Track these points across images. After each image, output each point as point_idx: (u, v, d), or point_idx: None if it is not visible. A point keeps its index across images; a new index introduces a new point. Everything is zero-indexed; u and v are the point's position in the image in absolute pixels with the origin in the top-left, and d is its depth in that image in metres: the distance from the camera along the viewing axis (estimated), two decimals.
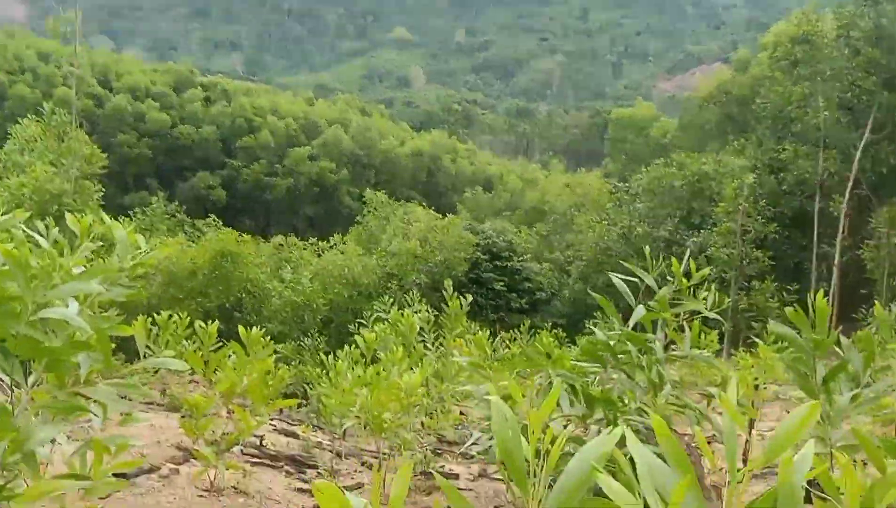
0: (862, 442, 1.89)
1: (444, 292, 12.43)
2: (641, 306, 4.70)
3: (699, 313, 4.44)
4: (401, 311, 16.05)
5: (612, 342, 4.22)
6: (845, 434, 3.43)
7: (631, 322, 4.36)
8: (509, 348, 16.29)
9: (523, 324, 19.30)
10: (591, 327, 19.79)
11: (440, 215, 33.21)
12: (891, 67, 25.79)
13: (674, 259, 4.42)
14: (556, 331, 21.83)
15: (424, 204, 46.75)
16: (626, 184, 36.39)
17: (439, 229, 31.06)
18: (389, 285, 29.85)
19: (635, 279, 4.55)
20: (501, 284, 33.28)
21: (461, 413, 9.91)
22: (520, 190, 66.21)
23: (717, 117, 39.25)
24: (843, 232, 26.99)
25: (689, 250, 26.49)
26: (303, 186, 66.24)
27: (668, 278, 4.55)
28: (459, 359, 6.88)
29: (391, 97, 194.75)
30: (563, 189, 65.51)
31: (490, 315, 32.94)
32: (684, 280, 4.80)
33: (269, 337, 8.50)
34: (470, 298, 12.60)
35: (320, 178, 67.54)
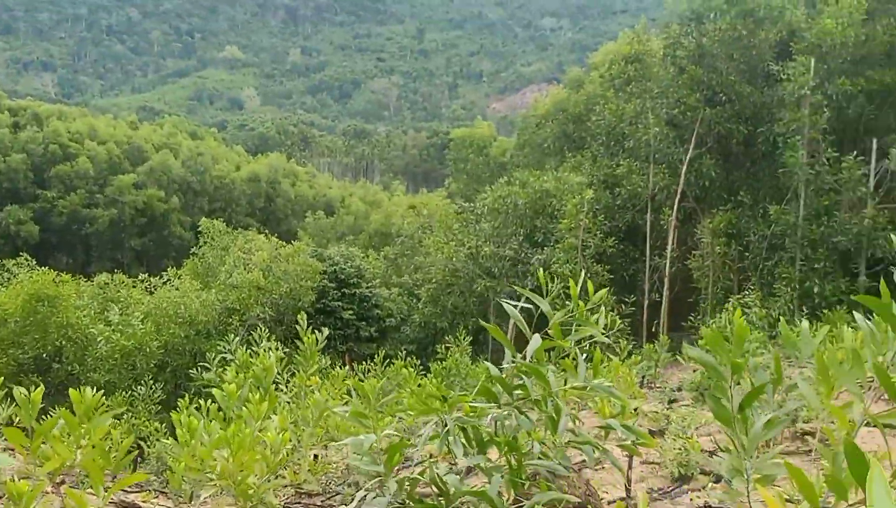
0: (794, 476, 1.85)
1: (298, 326, 11.35)
2: (538, 334, 3.90)
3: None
4: (249, 350, 14.46)
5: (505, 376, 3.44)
6: (763, 464, 2.87)
7: (528, 352, 3.55)
8: (362, 380, 15.22)
9: (377, 354, 18.13)
10: (440, 349, 18.70)
11: (283, 243, 31.44)
12: (711, 85, 27.42)
13: (571, 281, 3.60)
14: (409, 359, 20.80)
15: (264, 231, 44.56)
16: (471, 204, 36.39)
17: (283, 258, 29.33)
18: (230, 321, 27.70)
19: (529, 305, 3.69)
20: (350, 312, 31.99)
21: (315, 457, 8.84)
22: (363, 213, 65.20)
23: (554, 135, 40.30)
24: (673, 244, 28.26)
25: (534, 268, 26.46)
26: (128, 216, 61.31)
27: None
28: (338, 409, 5.83)
29: (223, 119, 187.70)
30: (407, 211, 65.31)
31: (339, 346, 31.54)
32: (581, 304, 3.99)
33: (96, 389, 7.01)
34: (326, 331, 11.48)
35: (148, 207, 62.89)
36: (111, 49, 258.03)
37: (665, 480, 8.78)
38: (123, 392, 20.54)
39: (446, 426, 3.39)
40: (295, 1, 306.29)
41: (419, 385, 14.17)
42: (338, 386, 12.53)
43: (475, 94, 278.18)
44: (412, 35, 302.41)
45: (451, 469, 3.48)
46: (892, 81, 24.02)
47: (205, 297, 26.71)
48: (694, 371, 19.00)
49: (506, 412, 3.74)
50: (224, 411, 7.17)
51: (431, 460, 3.63)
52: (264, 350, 15.90)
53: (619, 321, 26.72)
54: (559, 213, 30.95)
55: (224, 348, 16.83)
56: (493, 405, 3.64)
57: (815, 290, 22.74)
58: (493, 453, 3.40)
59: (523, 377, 3.55)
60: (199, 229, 32.97)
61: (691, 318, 26.72)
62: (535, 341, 3.74)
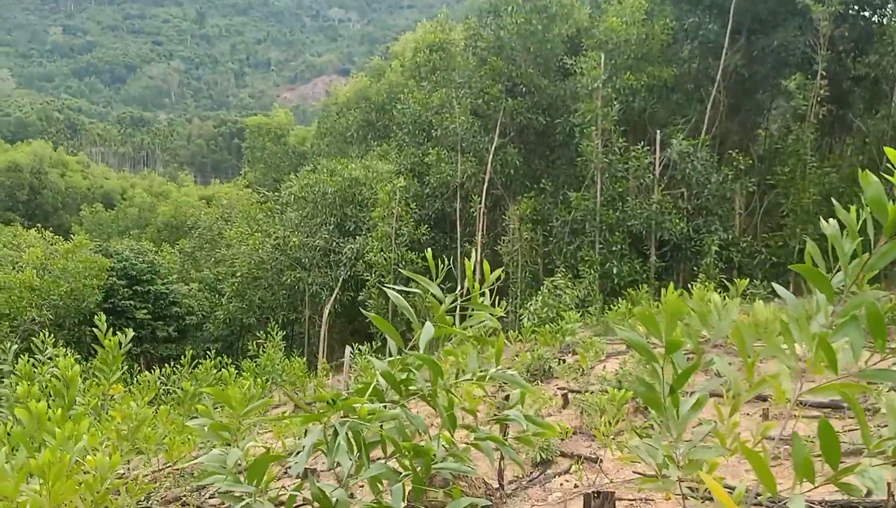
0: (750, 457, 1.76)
1: (96, 329, 10.01)
2: (429, 323, 3.39)
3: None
4: (30, 359, 12.46)
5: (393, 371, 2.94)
6: (696, 450, 2.70)
7: (422, 344, 3.05)
8: (165, 384, 13.80)
9: (184, 355, 16.57)
10: (252, 346, 17.44)
11: (60, 238, 27.95)
12: (512, 76, 28.43)
13: (467, 261, 3.14)
14: (217, 358, 19.31)
15: (30, 226, 39.62)
16: (275, 193, 34.82)
17: (61, 255, 26.04)
18: None
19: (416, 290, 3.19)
20: (144, 311, 29.30)
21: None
22: (149, 205, 60.27)
23: (357, 123, 39.76)
24: (482, 230, 29.02)
25: (345, 257, 25.76)
26: None
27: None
28: (193, 423, 4.88)
29: None
30: (200, 201, 61.39)
31: (133, 349, 28.79)
32: (476, 286, 3.55)
33: None
34: (130, 332, 10.17)
35: None
36: None
37: (527, 466, 8.71)
38: None
39: (335, 432, 2.86)
40: None
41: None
42: (145, 393, 11.15)
43: (264, 83, 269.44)
44: (192, 19, 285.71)
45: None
46: (669, 77, 26.40)
47: None
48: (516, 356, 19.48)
49: (395, 411, 3.31)
50: (34, 437, 5.97)
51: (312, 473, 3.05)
52: (49, 358, 13.80)
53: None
54: (369, 201, 30.57)
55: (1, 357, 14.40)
56: (382, 404, 3.18)
57: (615, 271, 24.42)
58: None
59: (410, 370, 3.12)
60: None
61: (504, 302, 27.63)
62: (428, 329, 3.27)
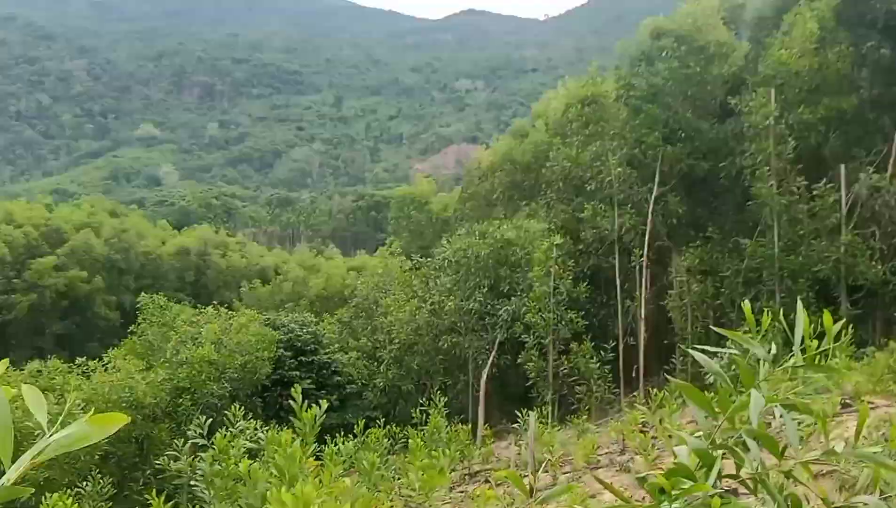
0: None
1: (292, 401, 10.04)
2: (756, 391, 2.39)
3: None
4: (227, 432, 12.44)
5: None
6: None
7: (753, 416, 2.04)
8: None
9: (353, 424, 16.27)
10: (416, 414, 16.59)
11: (233, 313, 29.19)
12: (669, 123, 27.27)
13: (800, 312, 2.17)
14: (386, 427, 18.86)
15: (196, 304, 41.86)
16: (427, 258, 35.00)
17: (236, 329, 27.06)
18: (180, 401, 25.16)
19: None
20: (308, 381, 29.75)
21: None
22: (301, 279, 62.78)
23: (503, 185, 39.65)
24: (646, 285, 27.54)
25: (502, 319, 24.97)
26: (49, 300, 57.03)
27: None
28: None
29: (142, 197, 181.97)
30: (350, 273, 63.33)
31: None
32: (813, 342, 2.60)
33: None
34: (325, 404, 9.95)
35: (70, 289, 58.77)
36: (21, 134, 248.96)
37: None
38: (65, 490, 17.98)
39: None
40: (212, 77, 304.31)
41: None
42: (337, 465, 10.73)
43: (397, 156, 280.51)
44: (331, 103, 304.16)
45: None
46: (849, 108, 24.29)
47: (151, 377, 24.18)
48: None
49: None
50: None
51: None
52: (241, 430, 13.61)
53: (597, 369, 25.74)
54: (523, 261, 29.95)
55: (195, 432, 14.49)
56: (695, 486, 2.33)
57: None
58: None
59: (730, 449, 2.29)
60: (128, 308, 30.42)
61: (672, 360, 25.85)
62: (757, 399, 2.34)
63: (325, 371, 30.45)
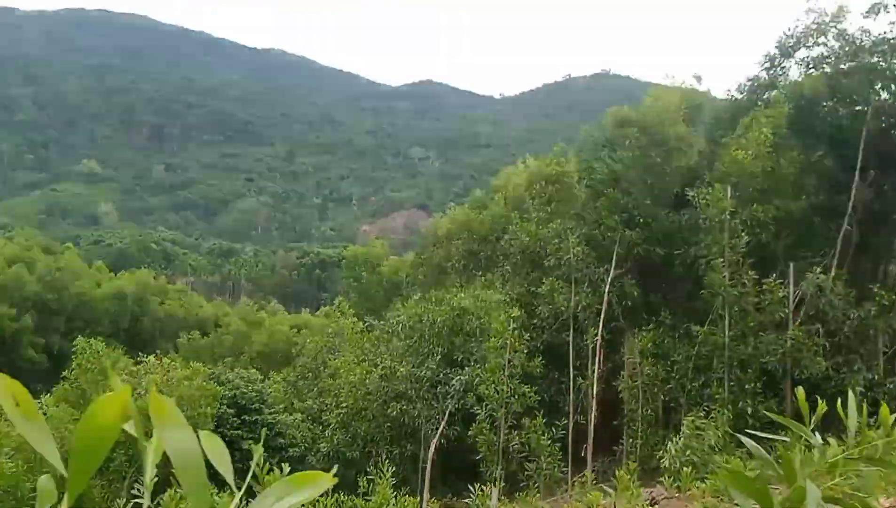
0: None
1: (255, 465, 9.41)
2: (811, 483, 2.54)
3: None
4: (175, 493, 11.92)
5: None
6: None
7: None
8: None
9: None
10: (363, 483, 16.33)
11: (175, 365, 28.25)
12: (628, 208, 28.22)
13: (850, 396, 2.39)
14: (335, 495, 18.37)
15: (129, 352, 40.49)
16: (380, 322, 34.78)
17: (177, 382, 26.16)
18: (114, 456, 23.99)
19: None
20: (251, 441, 28.83)
21: None
22: (244, 333, 61.44)
23: (459, 254, 40.05)
24: (599, 364, 27.90)
25: (454, 389, 24.83)
26: None
27: None
28: None
29: (77, 235, 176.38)
30: (292, 330, 62.23)
31: (238, 481, 28.11)
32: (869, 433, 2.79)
33: None
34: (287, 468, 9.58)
35: None
36: None
37: None
38: None
39: None
40: (162, 119, 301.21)
41: None
42: None
43: (345, 216, 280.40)
44: (282, 157, 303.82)
45: None
46: (797, 210, 25.65)
47: None
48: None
49: None
50: None
51: None
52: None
53: (548, 446, 25.71)
54: (478, 331, 30.03)
55: (138, 490, 13.95)
56: None
57: (749, 411, 22.77)
58: None
59: None
60: (55, 352, 29.20)
61: (621, 441, 26.05)
62: (813, 491, 2.44)
63: (269, 432, 29.56)
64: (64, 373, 30.40)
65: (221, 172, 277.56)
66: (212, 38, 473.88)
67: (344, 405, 30.48)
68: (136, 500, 13.65)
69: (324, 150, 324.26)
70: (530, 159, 38.52)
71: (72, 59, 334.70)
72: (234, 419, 28.60)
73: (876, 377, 23.41)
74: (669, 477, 17.54)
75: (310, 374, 35.41)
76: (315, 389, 34.12)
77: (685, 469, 14.97)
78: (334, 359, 33.70)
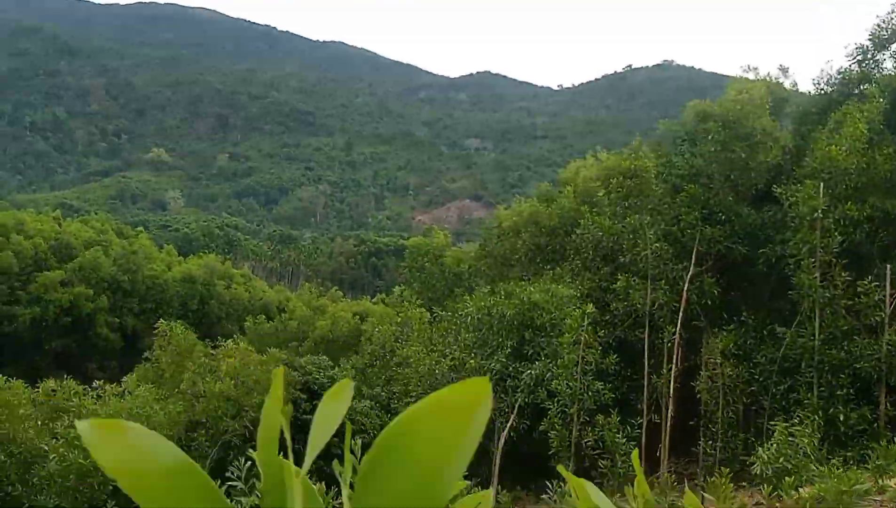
0: None
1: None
2: None
3: None
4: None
5: None
6: None
7: None
8: None
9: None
10: None
11: (252, 350, 28.72)
12: (709, 204, 27.39)
13: None
14: None
15: (196, 333, 41.39)
16: (448, 313, 34.68)
17: (255, 365, 26.57)
18: (195, 436, 24.56)
19: None
20: None
21: None
22: (307, 318, 62.27)
23: (526, 247, 39.61)
24: (676, 363, 27.21)
25: (524, 383, 24.46)
26: (52, 315, 56.33)
27: None
28: None
29: (145, 219, 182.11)
30: (353, 318, 62.76)
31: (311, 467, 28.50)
32: None
33: None
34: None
35: (74, 306, 58.12)
36: (33, 146, 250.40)
37: None
38: None
39: None
40: (226, 110, 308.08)
41: None
42: None
43: (401, 206, 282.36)
44: (341, 147, 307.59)
45: None
46: (893, 209, 24.45)
47: (170, 408, 23.62)
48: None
49: None
50: None
51: None
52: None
53: (623, 444, 25.22)
54: (549, 326, 29.65)
55: (233, 473, 14.08)
56: None
57: (841, 418, 21.87)
58: None
59: None
60: (128, 331, 29.98)
61: (699, 443, 25.40)
62: None
63: None
64: (145, 354, 31.31)
65: (282, 162, 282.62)
66: (276, 30, 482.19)
67: (413, 393, 30.50)
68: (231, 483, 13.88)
69: (381, 140, 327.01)
70: (602, 153, 37.81)
71: (141, 52, 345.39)
72: (307, 404, 28.89)
73: None
74: (764, 484, 16.97)
75: (378, 362, 35.59)
76: (384, 377, 34.29)
77: (786, 478, 14.38)
78: (402, 348, 33.79)
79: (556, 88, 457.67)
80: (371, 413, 32.03)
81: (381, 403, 32.77)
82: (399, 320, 37.41)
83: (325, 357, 32.72)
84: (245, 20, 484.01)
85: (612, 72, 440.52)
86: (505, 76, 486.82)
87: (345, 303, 72.13)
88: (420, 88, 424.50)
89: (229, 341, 28.76)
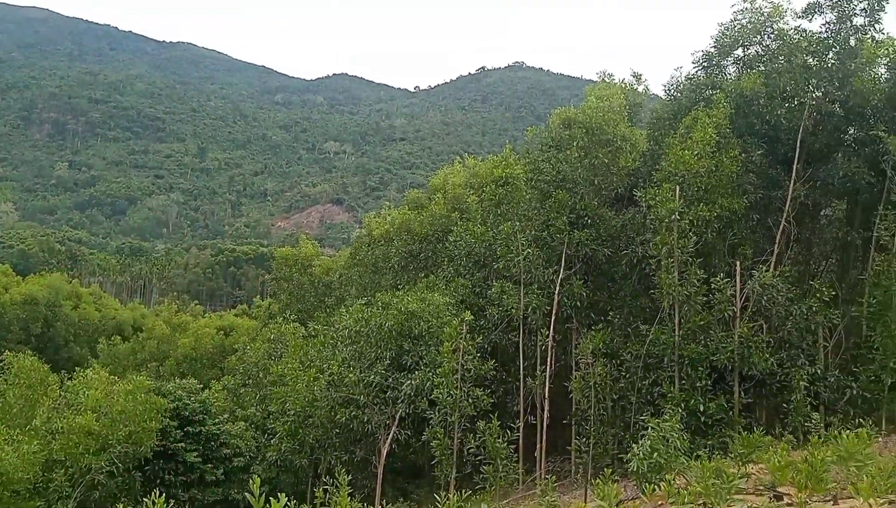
0: None
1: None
2: None
3: None
4: None
5: None
6: None
7: None
8: None
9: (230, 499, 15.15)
10: (319, 494, 15.79)
11: (115, 378, 26.71)
12: (576, 208, 28.45)
13: None
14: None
15: (41, 359, 38.28)
16: (324, 326, 33.92)
17: (121, 395, 24.72)
18: (53, 476, 22.52)
19: None
20: (195, 454, 27.68)
21: None
22: (168, 337, 58.97)
23: (399, 255, 39.54)
24: (550, 365, 28.08)
25: (404, 393, 24.41)
26: None
27: None
28: None
29: None
30: (219, 333, 60.12)
31: (180, 494, 26.96)
32: None
33: None
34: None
35: None
36: None
37: None
38: None
39: None
40: (64, 115, 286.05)
41: None
42: None
43: (259, 212, 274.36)
44: (193, 153, 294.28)
45: None
46: (739, 208, 26.46)
47: (24, 448, 21.50)
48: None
49: None
50: None
51: None
52: None
53: (503, 448, 25.67)
54: (427, 334, 29.70)
55: None
56: None
57: (701, 409, 23.36)
58: None
59: None
60: (3, 364, 27.19)
61: (576, 441, 26.27)
62: None
63: (213, 443, 28.49)
64: None
65: (129, 170, 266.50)
66: (117, 30, 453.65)
67: (291, 412, 29.58)
68: None
69: (236, 145, 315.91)
70: (470, 158, 38.39)
71: None
72: (178, 431, 27.36)
73: (818, 371, 24.43)
74: (639, 479, 17.80)
75: (251, 381, 34.24)
76: (258, 396, 33.04)
77: (666, 474, 15.16)
78: (277, 365, 32.69)
79: (412, 89, 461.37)
80: (246, 435, 30.80)
81: (257, 423, 31.57)
82: (272, 336, 36.14)
83: (194, 381, 31.02)
84: (82, 19, 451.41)
85: (467, 73, 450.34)
86: (361, 78, 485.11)
87: (207, 318, 68.93)
88: (275, 90, 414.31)
89: (88, 370, 26.60)
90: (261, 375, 33.77)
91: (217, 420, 29.12)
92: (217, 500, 28.34)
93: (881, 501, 12.27)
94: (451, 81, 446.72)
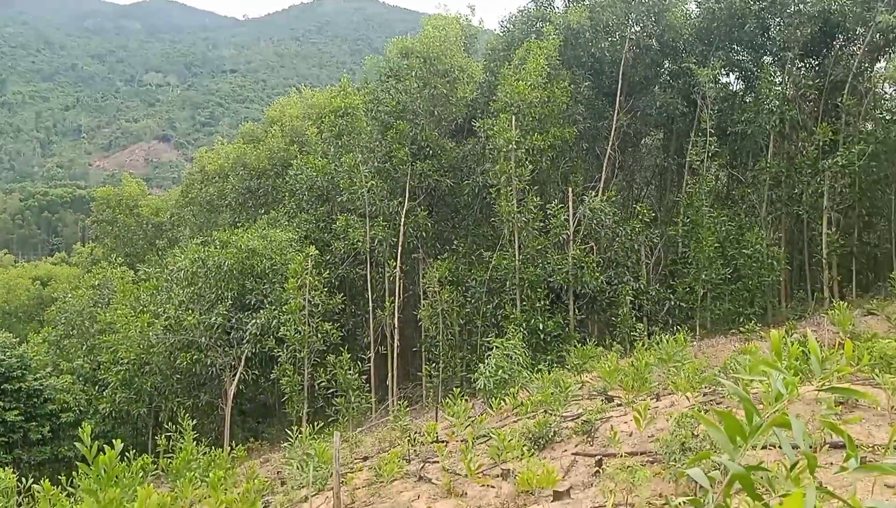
0: None
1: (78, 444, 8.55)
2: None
3: None
4: None
5: None
6: None
7: None
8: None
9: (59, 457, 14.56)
10: (161, 441, 15.62)
11: None
12: (417, 139, 28.45)
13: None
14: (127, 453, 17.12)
15: None
16: (157, 269, 32.02)
17: None
18: None
19: None
20: (16, 412, 25.54)
21: None
22: None
23: (236, 191, 37.84)
24: (398, 295, 28.40)
25: (250, 333, 24.01)
26: None
27: None
28: None
29: None
30: (35, 283, 55.29)
31: (4, 456, 24.95)
32: None
33: None
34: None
35: None
36: None
37: None
38: None
39: None
40: None
41: None
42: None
43: (73, 151, 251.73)
44: None
45: None
46: (570, 137, 27.67)
47: None
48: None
49: None
50: None
51: None
52: None
53: (355, 380, 25.89)
54: (271, 272, 28.97)
55: None
56: None
57: (540, 327, 24.71)
58: None
59: None
60: None
61: (426, 367, 26.99)
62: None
63: (35, 400, 26.36)
64: None
65: None
66: None
67: (124, 360, 27.98)
68: None
69: (42, 76, 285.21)
70: (306, 90, 37.09)
71: None
72: None
73: (641, 286, 26.53)
74: (487, 395, 18.69)
75: (75, 331, 31.85)
76: (85, 347, 30.86)
77: (511, 388, 15.96)
78: (104, 313, 30.59)
79: (241, 18, 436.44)
80: (74, 389, 28.79)
81: (85, 375, 29.58)
82: (96, 282, 33.62)
83: (9, 334, 28.33)
84: None
85: (299, 2, 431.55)
86: (183, 4, 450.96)
87: (20, 267, 62.96)
88: (85, 16, 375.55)
89: None
90: (87, 324, 31.49)
91: (39, 375, 26.91)
92: (45, 459, 26.48)
93: (696, 394, 13.74)
94: (283, 10, 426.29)
